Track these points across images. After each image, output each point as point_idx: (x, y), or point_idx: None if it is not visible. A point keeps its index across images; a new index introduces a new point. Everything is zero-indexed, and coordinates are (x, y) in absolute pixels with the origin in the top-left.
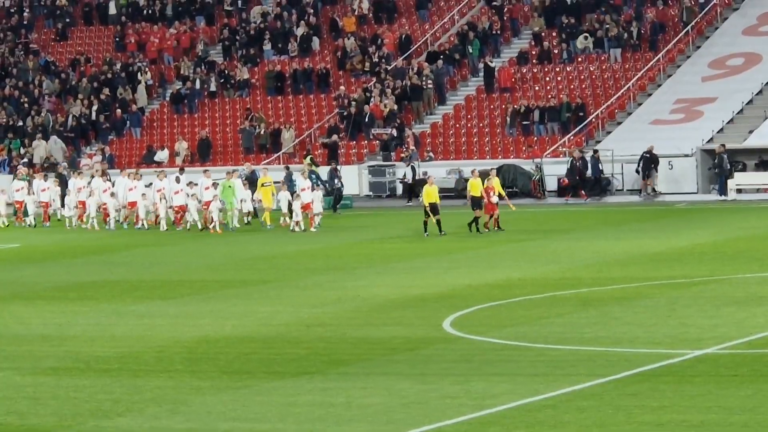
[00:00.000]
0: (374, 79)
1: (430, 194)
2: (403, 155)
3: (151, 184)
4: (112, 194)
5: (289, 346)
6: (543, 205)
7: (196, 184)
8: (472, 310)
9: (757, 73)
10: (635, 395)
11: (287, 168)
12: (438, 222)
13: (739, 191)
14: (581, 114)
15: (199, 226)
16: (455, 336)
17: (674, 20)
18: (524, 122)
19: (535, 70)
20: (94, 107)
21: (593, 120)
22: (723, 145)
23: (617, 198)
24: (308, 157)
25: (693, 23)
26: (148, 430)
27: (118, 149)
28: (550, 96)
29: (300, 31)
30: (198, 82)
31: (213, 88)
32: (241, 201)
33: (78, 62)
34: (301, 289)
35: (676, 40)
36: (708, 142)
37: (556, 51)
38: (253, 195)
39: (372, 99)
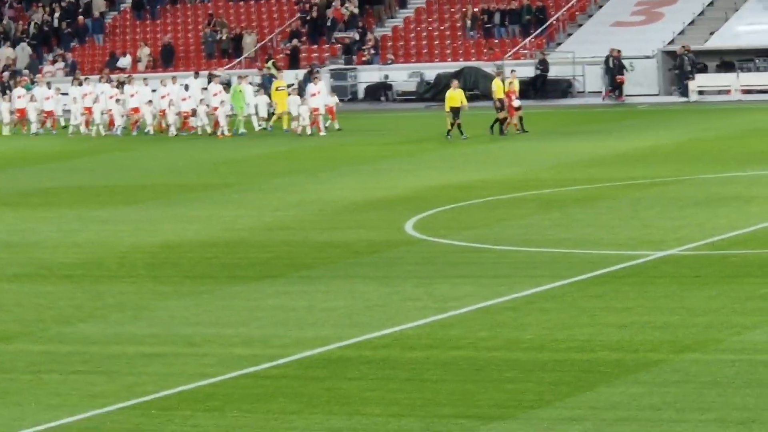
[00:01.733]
0: None
1: (453, 98)
2: (364, 59)
3: (155, 90)
4: (118, 101)
5: (252, 250)
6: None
7: (206, 89)
8: (434, 212)
9: None
10: (598, 297)
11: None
12: (459, 126)
13: (700, 93)
14: (542, 16)
15: (208, 131)
16: (418, 239)
17: None
18: (486, 25)
19: None
20: (57, 14)
21: (554, 22)
22: (684, 47)
23: (579, 100)
24: (270, 62)
25: None
26: (111, 336)
27: (80, 56)
28: None
29: None
30: None
31: None
32: (256, 106)
33: None
34: (263, 192)
35: None
36: (669, 43)
37: None
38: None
39: (333, 3)
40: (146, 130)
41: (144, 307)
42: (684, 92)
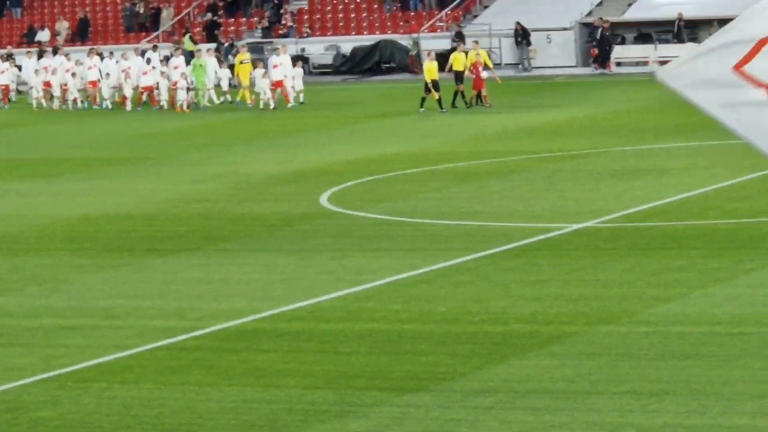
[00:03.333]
0: None
1: (431, 70)
2: (281, 32)
3: (118, 62)
4: (74, 74)
5: (169, 223)
6: (420, 80)
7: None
8: (349, 185)
9: None
10: (512, 270)
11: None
12: (439, 99)
13: (618, 65)
14: None
15: (166, 106)
16: (333, 211)
17: None
18: None
19: None
20: None
21: None
22: (601, 18)
23: (496, 72)
24: (187, 35)
25: None
26: (29, 309)
27: None
28: None
29: None
30: None
31: None
32: (219, 80)
33: None
34: (180, 166)
35: None
36: (587, 15)
37: None
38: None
39: None
40: (104, 105)
41: (62, 280)
42: (602, 64)
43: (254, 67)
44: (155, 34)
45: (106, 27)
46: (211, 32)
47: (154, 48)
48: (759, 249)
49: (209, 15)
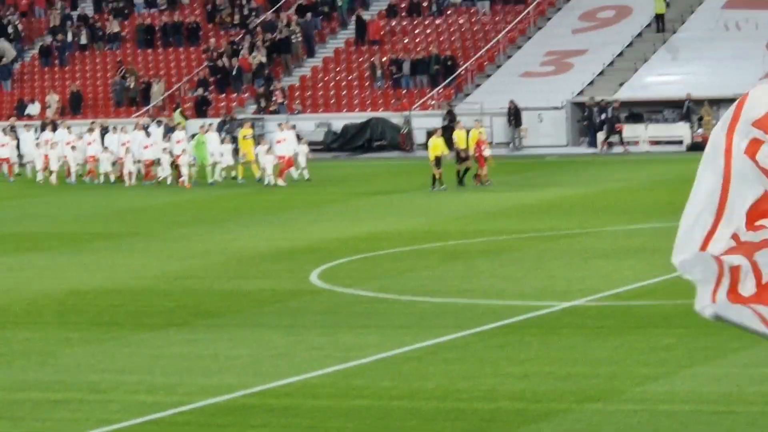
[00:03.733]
0: (243, 32)
1: (437, 146)
2: (271, 108)
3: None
4: (73, 147)
5: (158, 299)
6: (411, 157)
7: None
8: (339, 263)
9: (627, 25)
10: (501, 347)
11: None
12: (439, 176)
13: (609, 144)
14: (450, 64)
15: (168, 181)
16: (322, 288)
17: None
18: (394, 75)
19: (404, 23)
20: None
21: (462, 73)
22: (593, 98)
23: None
24: (177, 111)
25: None
26: (16, 383)
27: None
28: (419, 48)
29: None
30: (69, 34)
31: (84, 40)
32: (221, 155)
33: None
34: (169, 241)
35: None
36: (578, 94)
37: (425, 3)
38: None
39: (241, 52)
40: (100, 180)
41: (50, 354)
42: (593, 143)
43: (257, 142)
44: (146, 108)
45: (96, 101)
46: (201, 108)
47: (158, 123)
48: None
49: (200, 90)
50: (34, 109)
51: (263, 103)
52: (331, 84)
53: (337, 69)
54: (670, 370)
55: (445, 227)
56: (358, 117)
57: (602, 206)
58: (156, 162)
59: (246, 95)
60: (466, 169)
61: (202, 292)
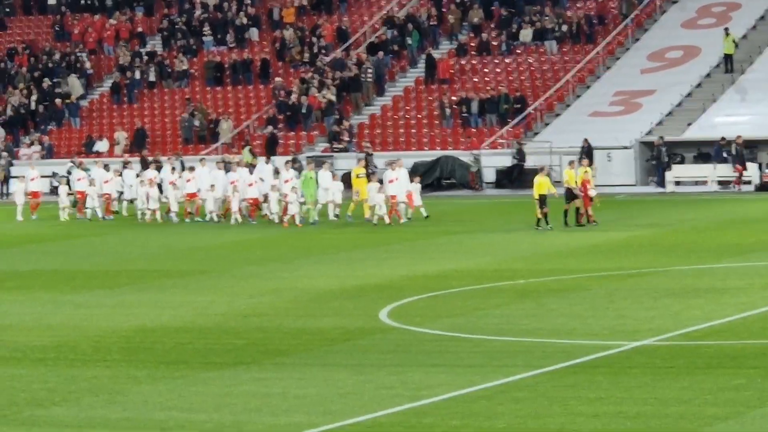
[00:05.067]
0: (312, 70)
1: (541, 185)
2: (341, 146)
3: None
4: (174, 185)
5: (226, 336)
6: (481, 196)
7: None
8: (408, 301)
9: (695, 65)
10: (571, 386)
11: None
12: (545, 215)
13: (677, 183)
14: (519, 106)
15: (276, 220)
16: (392, 327)
17: (614, 12)
18: (463, 114)
19: (474, 62)
20: (33, 97)
21: (532, 112)
22: (661, 137)
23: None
24: (247, 148)
25: (632, 15)
26: (84, 420)
27: (57, 139)
28: (488, 88)
29: (239, 21)
30: (137, 72)
31: (152, 78)
32: (333, 193)
33: (16, 51)
34: (238, 279)
35: (615, 32)
36: (647, 134)
37: (495, 43)
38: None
39: (310, 90)
40: (207, 218)
41: (117, 392)
42: (660, 183)
43: (369, 181)
44: (214, 146)
45: (164, 138)
46: (271, 145)
47: (267, 160)
48: None
49: (269, 128)
50: (102, 146)
51: (333, 142)
52: (401, 122)
53: (407, 107)
54: (739, 410)
55: (514, 266)
56: (427, 155)
57: (671, 245)
58: (264, 199)
59: (315, 133)
60: (576, 209)
61: (270, 330)
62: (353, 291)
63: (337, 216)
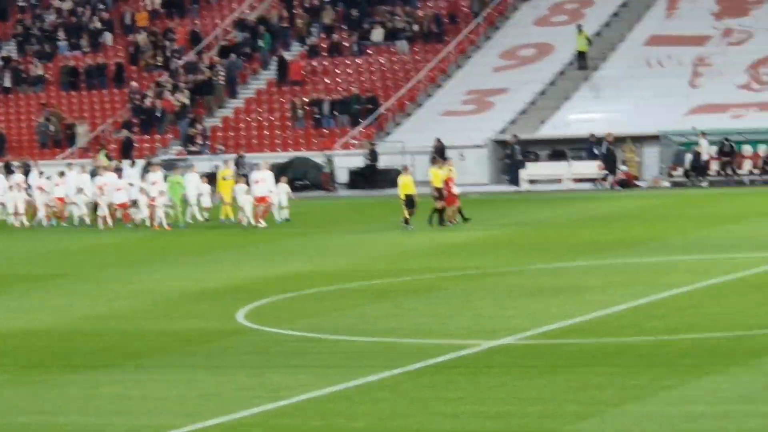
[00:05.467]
0: (166, 74)
1: (406, 185)
2: (194, 149)
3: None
4: (42, 190)
5: (86, 340)
6: (334, 197)
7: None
8: (266, 302)
9: (548, 63)
10: (431, 387)
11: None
12: (411, 215)
13: (531, 182)
14: (371, 106)
15: (147, 223)
16: (250, 328)
17: (465, 11)
18: (315, 115)
19: (325, 63)
20: None
21: (384, 112)
22: (515, 136)
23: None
24: (102, 152)
25: (484, 14)
26: None
27: None
28: (340, 88)
29: (93, 26)
30: None
31: (7, 83)
32: (199, 195)
33: None
34: (97, 282)
35: (466, 30)
36: (500, 132)
37: (346, 44)
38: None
39: (164, 94)
40: (76, 222)
41: None
42: (514, 181)
43: (236, 182)
44: (70, 150)
45: (20, 143)
46: (126, 149)
47: (132, 163)
48: (676, 366)
49: (124, 132)
50: None
51: (187, 144)
52: (253, 124)
53: (259, 109)
54: (600, 408)
55: (371, 266)
56: (280, 157)
57: (528, 244)
58: (132, 204)
59: (169, 136)
60: (437, 209)
61: (130, 332)
62: (210, 293)
63: (207, 219)
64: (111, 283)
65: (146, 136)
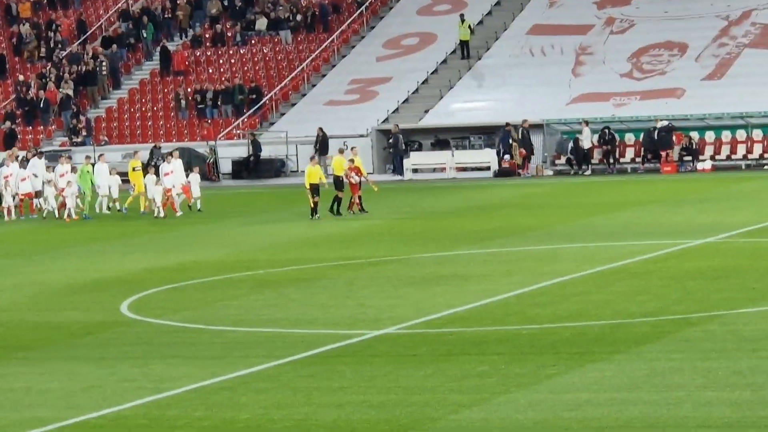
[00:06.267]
0: (50, 65)
1: (312, 174)
2: (77, 140)
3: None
4: None
5: None
6: (217, 187)
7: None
8: (148, 294)
9: (432, 52)
10: (313, 376)
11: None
12: (316, 204)
13: (415, 171)
14: (255, 96)
15: (56, 214)
16: (133, 319)
17: (348, 1)
18: (198, 105)
19: (209, 53)
20: None
21: (267, 102)
22: (397, 125)
23: (292, 179)
24: None
25: (367, 3)
26: None
27: None
28: (224, 78)
29: None
30: None
31: None
32: (109, 187)
33: None
34: None
35: (350, 20)
36: (384, 122)
37: (229, 33)
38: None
39: (48, 85)
40: None
41: None
42: (398, 170)
43: (146, 173)
44: None
45: None
46: (9, 140)
47: (40, 155)
48: (560, 354)
49: (7, 123)
50: None
51: (71, 135)
52: (137, 115)
53: (143, 100)
54: (484, 397)
55: (254, 256)
56: (164, 147)
57: (410, 233)
58: (37, 194)
59: (53, 127)
60: (338, 198)
61: (12, 325)
62: (93, 285)
63: (117, 209)
64: None
65: (30, 128)
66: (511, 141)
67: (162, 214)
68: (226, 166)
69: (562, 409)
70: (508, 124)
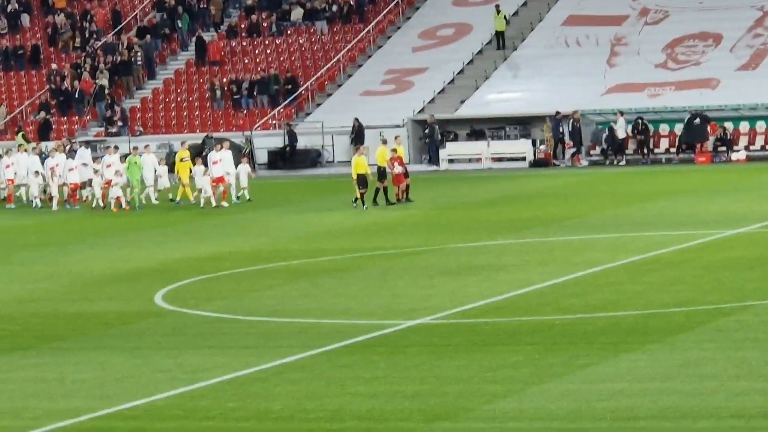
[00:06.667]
0: (84, 55)
1: (359, 165)
2: (113, 130)
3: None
4: None
5: (2, 323)
6: (253, 177)
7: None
8: (183, 284)
9: (467, 43)
10: (348, 366)
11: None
12: (362, 195)
13: (450, 161)
14: (291, 86)
15: (102, 204)
16: (167, 310)
17: None
18: (234, 96)
19: (244, 44)
20: None
21: (303, 92)
22: (433, 115)
23: (328, 170)
24: (20, 134)
25: None
26: None
27: None
28: (259, 69)
29: (10, 7)
30: None
31: None
32: (158, 177)
33: None
34: (13, 265)
35: (386, 11)
36: (419, 112)
37: (265, 24)
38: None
39: (83, 75)
40: (33, 203)
41: None
42: (434, 161)
43: (194, 164)
44: None
45: None
46: (44, 131)
47: (87, 144)
48: (594, 344)
49: (42, 113)
50: None
51: (106, 126)
52: (172, 105)
53: (178, 90)
54: (518, 387)
55: (288, 246)
56: (199, 138)
57: (445, 223)
58: (84, 185)
59: (88, 117)
60: (380, 188)
61: (47, 315)
62: (128, 275)
63: (169, 199)
64: (27, 265)
65: (64, 118)
66: (543, 130)
67: (213, 204)
68: (261, 157)
69: (595, 399)
70: (558, 113)
